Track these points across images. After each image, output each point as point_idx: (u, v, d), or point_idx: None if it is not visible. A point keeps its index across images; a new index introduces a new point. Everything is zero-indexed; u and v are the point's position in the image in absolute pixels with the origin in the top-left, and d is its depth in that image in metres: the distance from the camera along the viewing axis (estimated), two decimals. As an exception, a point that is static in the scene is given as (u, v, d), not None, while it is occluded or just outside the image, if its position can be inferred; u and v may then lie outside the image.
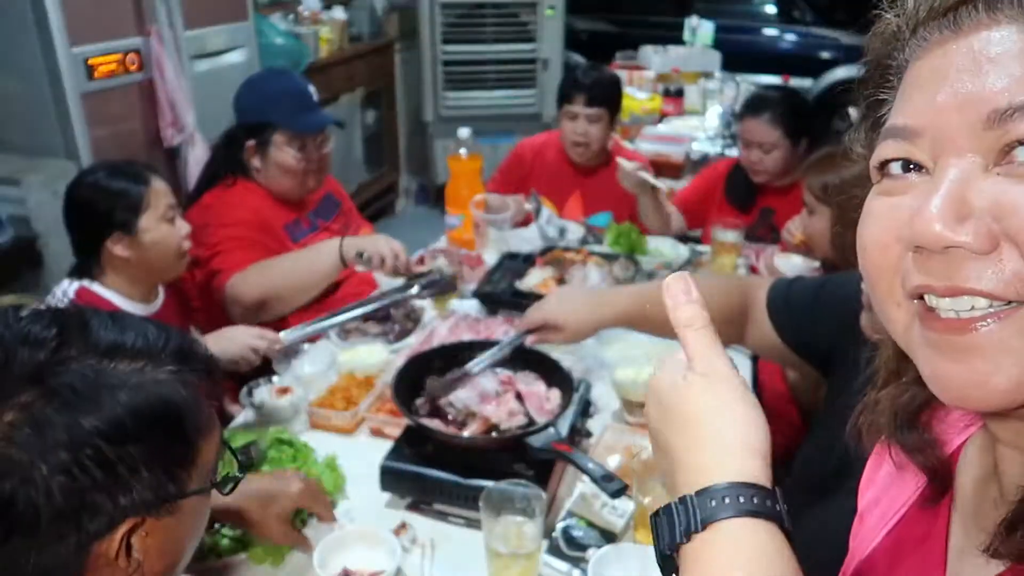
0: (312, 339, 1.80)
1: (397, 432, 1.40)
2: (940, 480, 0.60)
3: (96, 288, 1.69)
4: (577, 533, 1.24)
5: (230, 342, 1.61)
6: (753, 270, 2.26)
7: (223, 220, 2.01)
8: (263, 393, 1.61)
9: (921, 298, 0.47)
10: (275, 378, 1.65)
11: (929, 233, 0.43)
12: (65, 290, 1.66)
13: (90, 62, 2.67)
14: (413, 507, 1.32)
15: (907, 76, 0.49)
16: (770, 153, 2.31)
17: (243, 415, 1.60)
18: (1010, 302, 0.43)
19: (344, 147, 4.53)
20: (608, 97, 2.60)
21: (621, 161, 2.38)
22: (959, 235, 0.43)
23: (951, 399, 0.47)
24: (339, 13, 4.54)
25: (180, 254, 1.77)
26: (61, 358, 0.69)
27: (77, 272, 1.71)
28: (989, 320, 0.43)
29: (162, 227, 1.71)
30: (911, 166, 0.48)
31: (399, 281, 2.05)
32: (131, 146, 2.90)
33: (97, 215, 1.67)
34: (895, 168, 0.49)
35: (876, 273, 0.50)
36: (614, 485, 1.15)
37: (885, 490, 0.67)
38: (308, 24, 4.24)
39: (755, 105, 2.35)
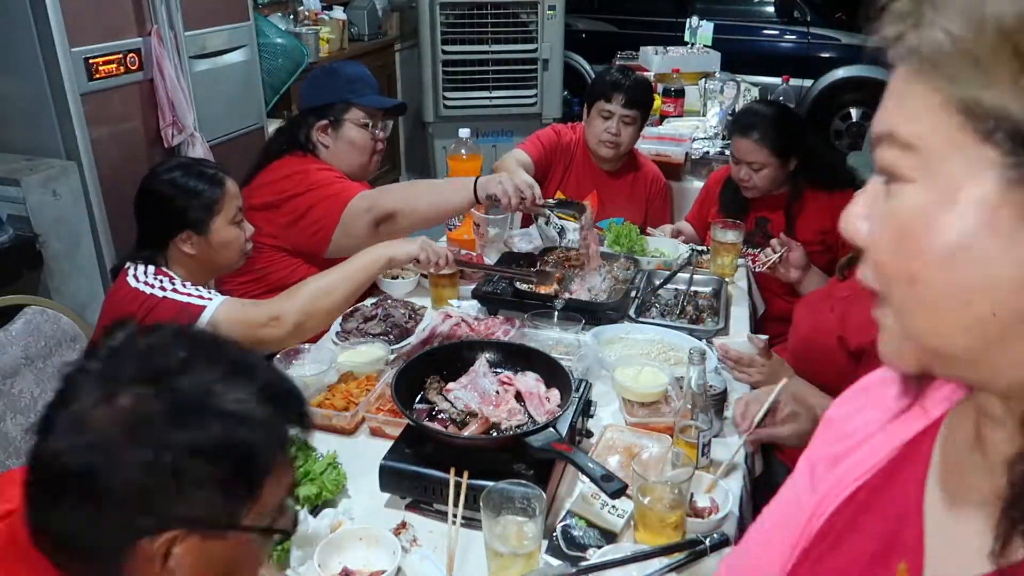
0: (312, 339, 1.80)
1: (397, 432, 1.39)
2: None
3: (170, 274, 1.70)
4: (577, 533, 1.24)
5: (411, 242, 1.72)
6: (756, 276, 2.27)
7: (320, 166, 2.12)
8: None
9: None
10: (275, 378, 1.64)
11: (846, 227, 0.53)
12: (145, 271, 1.67)
13: (90, 62, 2.68)
14: (413, 507, 1.32)
15: None
16: (759, 172, 2.30)
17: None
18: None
19: (344, 147, 4.53)
20: (644, 100, 2.61)
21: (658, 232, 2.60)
22: (857, 235, 0.53)
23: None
24: (339, 13, 4.54)
25: (243, 254, 1.81)
26: (184, 368, 0.76)
27: (141, 259, 1.70)
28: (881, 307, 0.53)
29: (231, 230, 1.74)
30: None
31: (409, 278, 2.14)
32: (131, 146, 2.90)
33: (171, 212, 1.68)
34: None
35: None
36: (614, 485, 1.15)
37: (865, 440, 0.69)
38: (308, 24, 4.25)
39: (744, 124, 2.33)
